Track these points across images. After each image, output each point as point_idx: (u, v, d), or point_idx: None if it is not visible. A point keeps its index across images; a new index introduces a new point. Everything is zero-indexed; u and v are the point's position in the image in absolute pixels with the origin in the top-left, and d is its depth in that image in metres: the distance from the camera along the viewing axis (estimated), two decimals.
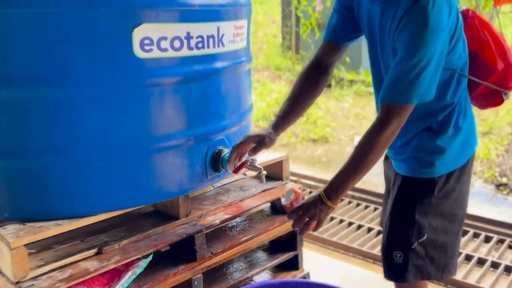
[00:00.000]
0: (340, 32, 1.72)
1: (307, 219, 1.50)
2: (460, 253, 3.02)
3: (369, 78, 1.76)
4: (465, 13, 1.65)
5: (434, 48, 1.39)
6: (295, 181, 4.32)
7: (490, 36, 1.63)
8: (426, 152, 1.61)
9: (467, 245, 3.19)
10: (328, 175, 4.57)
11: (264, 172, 1.79)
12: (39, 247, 1.63)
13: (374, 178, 4.13)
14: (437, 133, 1.60)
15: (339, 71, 8.03)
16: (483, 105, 1.75)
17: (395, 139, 1.62)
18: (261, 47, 10.38)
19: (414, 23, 1.39)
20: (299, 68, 8.78)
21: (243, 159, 1.75)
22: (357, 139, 6.41)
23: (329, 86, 7.91)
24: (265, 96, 7.27)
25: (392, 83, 1.45)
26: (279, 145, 5.48)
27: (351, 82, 7.80)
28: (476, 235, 3.31)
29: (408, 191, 1.66)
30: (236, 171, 1.76)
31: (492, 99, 1.69)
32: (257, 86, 7.82)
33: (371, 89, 1.83)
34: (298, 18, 8.51)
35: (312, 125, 6.13)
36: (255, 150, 1.70)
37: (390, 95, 1.45)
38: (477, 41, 1.63)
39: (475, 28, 1.63)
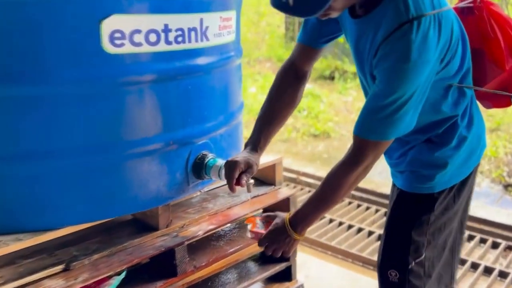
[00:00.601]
0: (319, 34, 1.49)
1: (274, 249, 1.45)
2: (465, 261, 2.85)
3: None
4: (473, 3, 1.44)
5: (417, 82, 1.20)
6: (294, 179, 4.15)
7: (500, 31, 1.42)
8: (424, 166, 1.43)
9: (473, 252, 3.01)
10: None
11: (252, 181, 1.62)
12: (1, 262, 1.47)
13: (376, 177, 3.96)
14: (437, 145, 1.42)
15: (343, 63, 7.83)
16: (489, 106, 1.56)
17: (393, 149, 1.45)
18: (263, 37, 10.17)
19: (394, 54, 1.18)
20: None
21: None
22: None
23: (332, 78, 7.71)
24: (266, 88, 7.08)
25: (367, 116, 1.27)
26: (278, 140, 5.31)
27: (355, 74, 7.58)
28: (482, 241, 3.13)
29: (404, 207, 1.49)
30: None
31: (498, 101, 1.49)
32: (258, 78, 7.63)
33: None
34: None
35: (313, 119, 5.95)
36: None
37: (365, 129, 1.27)
38: (483, 37, 1.43)
39: (483, 21, 1.42)
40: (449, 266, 1.56)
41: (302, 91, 1.59)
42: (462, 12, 1.42)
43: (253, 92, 6.96)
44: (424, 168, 1.43)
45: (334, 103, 6.65)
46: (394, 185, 1.57)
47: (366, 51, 1.28)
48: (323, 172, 4.41)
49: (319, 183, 4.19)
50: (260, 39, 10.14)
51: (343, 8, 1.23)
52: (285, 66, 1.58)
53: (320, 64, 7.69)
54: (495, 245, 3.08)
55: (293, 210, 1.50)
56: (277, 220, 1.47)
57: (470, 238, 3.16)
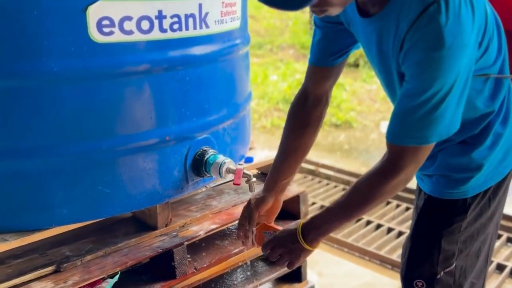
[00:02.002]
0: (329, 52, 1.34)
1: (279, 255, 1.30)
2: (491, 262, 2.69)
3: None
4: None
5: (455, 72, 1.03)
6: (313, 171, 4.02)
7: None
8: (457, 169, 1.28)
9: (499, 252, 2.84)
10: (349, 165, 4.27)
11: (254, 179, 1.51)
12: None
13: None
14: (470, 145, 1.26)
15: None
16: None
17: None
18: (287, 23, 9.97)
19: (424, 42, 1.01)
20: None
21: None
22: (383, 125, 5.93)
23: (357, 66, 7.48)
24: (287, 76, 6.93)
25: (400, 119, 1.10)
26: None
27: None
28: (510, 240, 2.96)
29: (434, 214, 1.35)
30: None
31: None
32: (281, 66, 7.47)
33: None
34: None
35: (335, 108, 5.77)
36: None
37: (400, 135, 1.11)
38: None
39: None
40: (482, 273, 1.43)
41: (318, 118, 1.43)
42: None
43: (274, 80, 6.82)
44: (456, 172, 1.28)
45: (357, 91, 6.44)
46: (420, 189, 1.43)
47: (390, 48, 1.12)
48: (343, 164, 4.27)
49: (338, 175, 4.02)
50: (284, 25, 9.93)
51: (343, 4, 1.06)
52: (297, 95, 1.44)
53: None
54: None
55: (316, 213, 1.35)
56: (292, 223, 1.33)
57: (497, 237, 2.98)
